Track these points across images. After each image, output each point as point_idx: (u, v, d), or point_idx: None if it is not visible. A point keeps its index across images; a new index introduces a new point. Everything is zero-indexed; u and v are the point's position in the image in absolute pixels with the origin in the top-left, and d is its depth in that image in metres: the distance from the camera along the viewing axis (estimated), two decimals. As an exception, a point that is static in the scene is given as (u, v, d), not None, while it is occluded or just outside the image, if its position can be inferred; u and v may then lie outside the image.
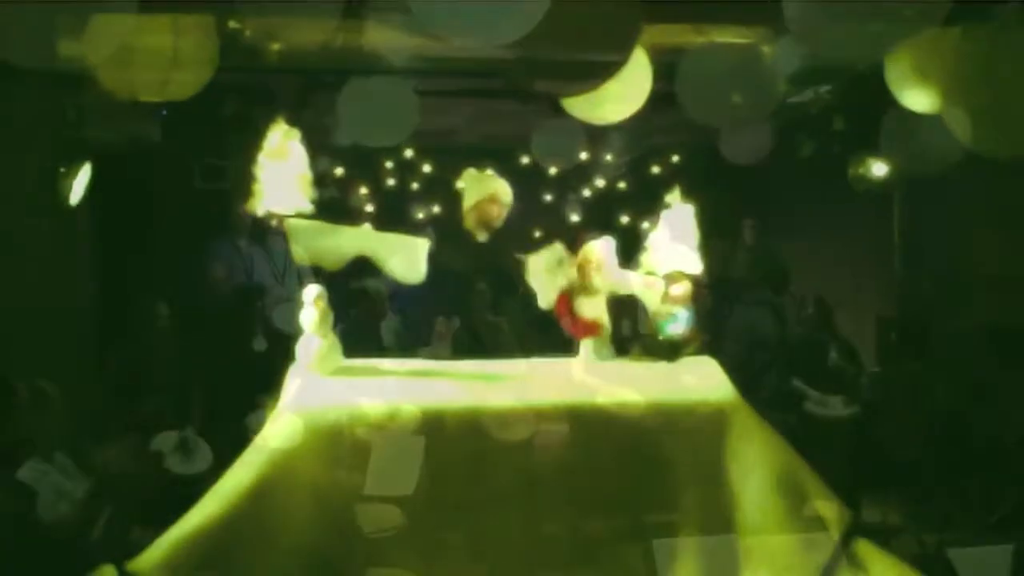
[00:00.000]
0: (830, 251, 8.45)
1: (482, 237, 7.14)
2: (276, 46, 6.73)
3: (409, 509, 6.14)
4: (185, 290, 8.26)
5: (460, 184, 7.30)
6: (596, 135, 7.36)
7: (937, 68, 5.50)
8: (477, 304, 8.53)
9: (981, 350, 7.99)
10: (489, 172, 7.35)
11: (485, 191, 7.18)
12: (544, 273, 6.99)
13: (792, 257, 8.51)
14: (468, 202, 7.22)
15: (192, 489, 6.24)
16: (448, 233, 7.48)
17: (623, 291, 7.54)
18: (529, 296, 7.21)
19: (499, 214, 7.12)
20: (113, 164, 6.94)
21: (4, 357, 6.76)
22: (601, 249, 7.23)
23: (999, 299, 8.18)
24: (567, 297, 6.95)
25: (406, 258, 7.45)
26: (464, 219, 7.21)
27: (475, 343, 7.51)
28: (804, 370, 9.03)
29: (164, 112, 7.20)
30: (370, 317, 8.59)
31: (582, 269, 7.11)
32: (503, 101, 7.20)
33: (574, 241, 7.50)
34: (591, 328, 6.98)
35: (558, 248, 7.17)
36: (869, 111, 6.69)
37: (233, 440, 6.50)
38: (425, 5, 4.04)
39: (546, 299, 7.01)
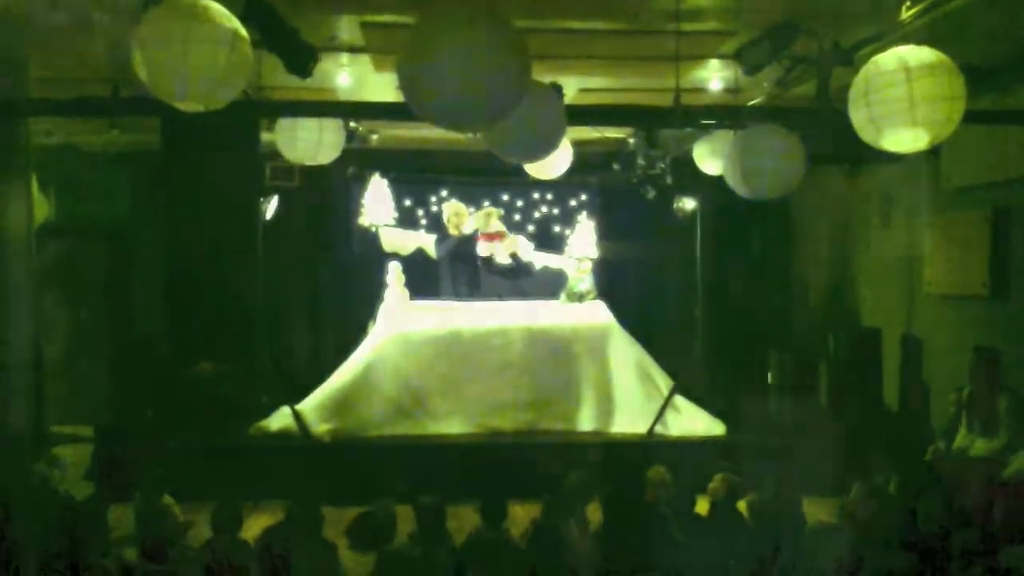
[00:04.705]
0: (658, 251, 8.26)
1: (455, 233, 7.16)
2: (375, 136, 6.95)
3: (441, 379, 6.45)
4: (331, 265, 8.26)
5: (446, 207, 7.34)
6: (542, 184, 7.52)
7: (721, 153, 5.32)
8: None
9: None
10: (454, 201, 7.36)
11: (453, 210, 7.23)
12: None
13: (638, 252, 8.26)
14: (447, 215, 7.28)
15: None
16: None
17: (555, 266, 7.74)
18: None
19: (462, 222, 7.18)
20: (289, 198, 6.94)
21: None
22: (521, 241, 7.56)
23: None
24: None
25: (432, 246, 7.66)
26: (447, 223, 7.25)
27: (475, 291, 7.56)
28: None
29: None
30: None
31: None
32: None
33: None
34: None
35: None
36: (685, 172, 6.60)
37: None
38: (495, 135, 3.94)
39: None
